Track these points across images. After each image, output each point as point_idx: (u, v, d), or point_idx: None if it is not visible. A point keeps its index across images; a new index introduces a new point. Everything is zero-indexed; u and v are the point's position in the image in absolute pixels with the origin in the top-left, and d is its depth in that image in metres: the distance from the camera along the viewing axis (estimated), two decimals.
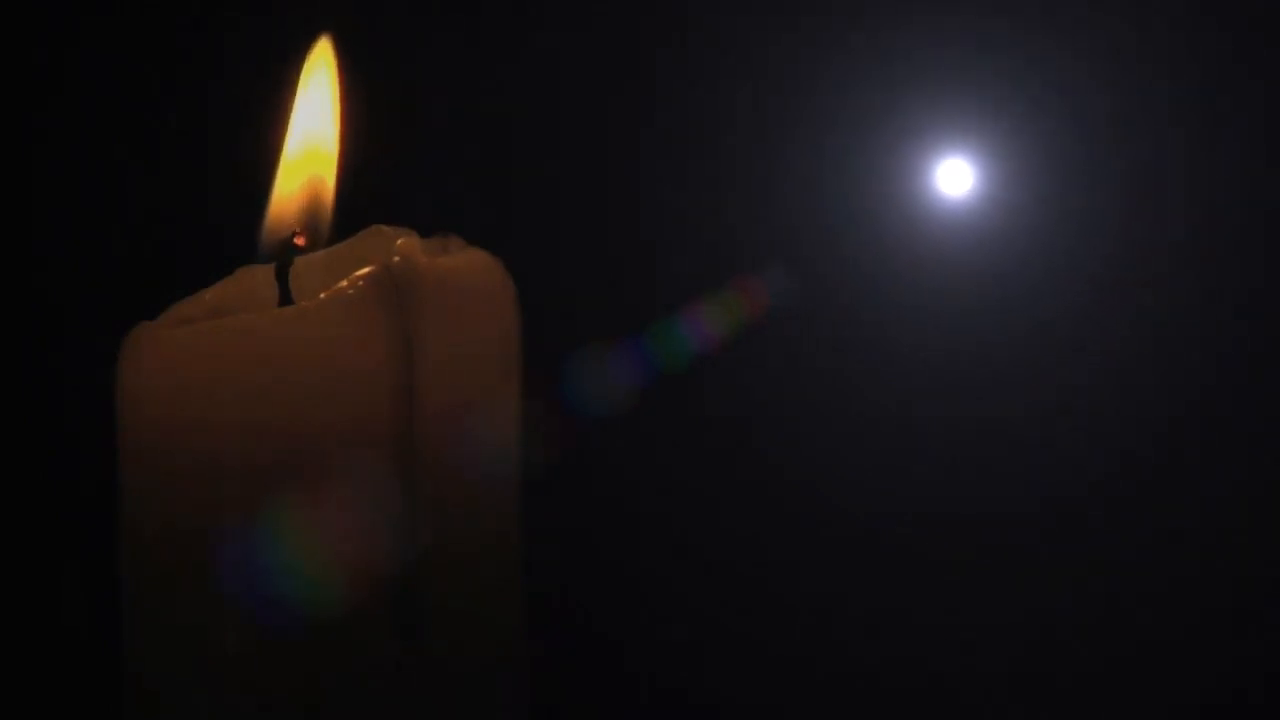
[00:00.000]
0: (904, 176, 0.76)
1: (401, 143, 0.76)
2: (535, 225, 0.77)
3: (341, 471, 0.42)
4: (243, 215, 0.48)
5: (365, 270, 0.43)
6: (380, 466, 0.42)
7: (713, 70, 0.77)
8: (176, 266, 0.74)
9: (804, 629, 0.77)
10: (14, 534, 0.78)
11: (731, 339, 0.75)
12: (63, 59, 0.78)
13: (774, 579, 0.77)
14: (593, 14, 0.77)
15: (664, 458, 0.77)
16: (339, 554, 0.42)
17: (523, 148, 0.78)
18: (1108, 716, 0.76)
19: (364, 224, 0.47)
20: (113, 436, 0.44)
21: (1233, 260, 0.75)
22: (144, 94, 0.78)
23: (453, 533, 0.43)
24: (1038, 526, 0.76)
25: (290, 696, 0.42)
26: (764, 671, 0.77)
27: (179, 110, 0.78)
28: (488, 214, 0.74)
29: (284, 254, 0.46)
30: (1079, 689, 0.76)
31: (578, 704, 0.75)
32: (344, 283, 0.43)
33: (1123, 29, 0.75)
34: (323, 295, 0.43)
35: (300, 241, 0.46)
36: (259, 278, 0.46)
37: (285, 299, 0.45)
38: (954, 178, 0.76)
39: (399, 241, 0.44)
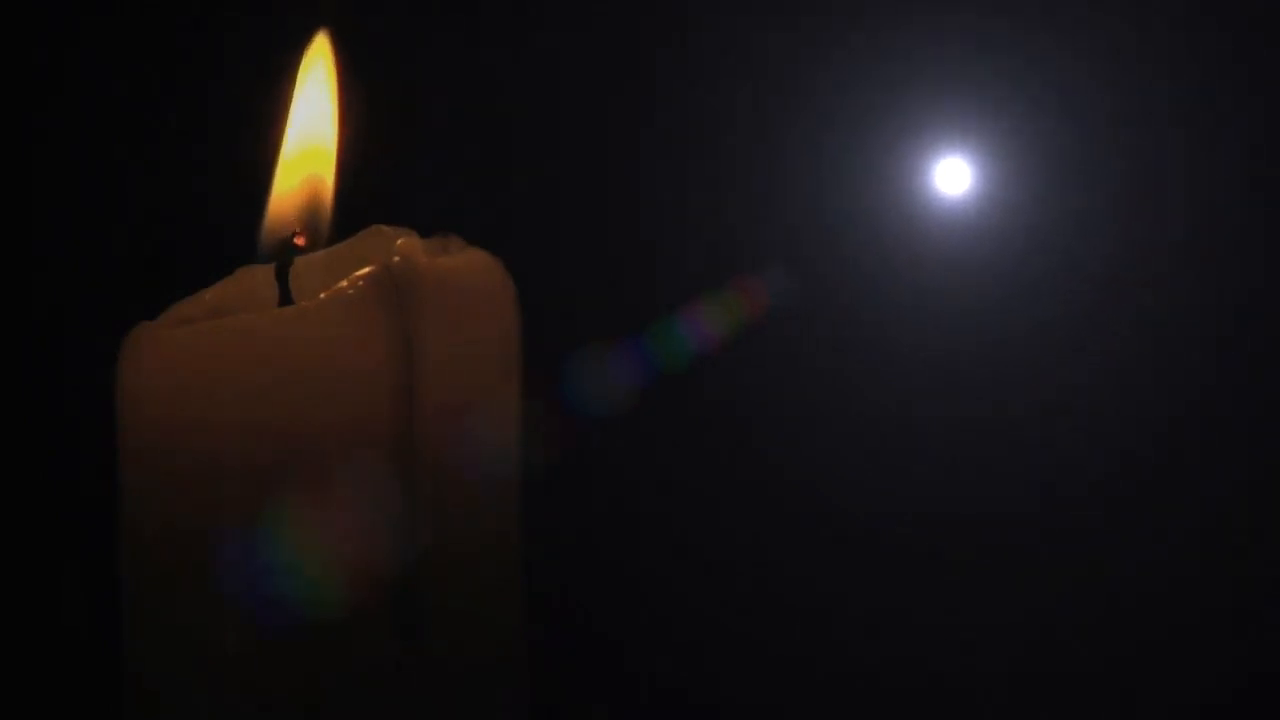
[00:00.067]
0: (902, 176, 0.76)
1: (401, 142, 0.76)
2: (535, 225, 0.77)
3: (341, 471, 0.42)
4: (243, 215, 0.48)
5: (365, 270, 0.43)
6: (380, 466, 0.42)
7: (712, 70, 0.77)
8: (176, 266, 0.74)
9: (804, 629, 0.77)
10: (14, 534, 0.78)
11: (731, 339, 0.75)
12: (63, 59, 0.78)
13: (774, 579, 0.77)
14: (593, 14, 0.77)
15: (664, 458, 0.77)
16: (339, 554, 0.42)
17: (523, 148, 0.78)
18: (1108, 716, 0.76)
19: (364, 224, 0.47)
20: (113, 436, 0.44)
21: (1232, 260, 0.75)
22: (144, 94, 0.78)
23: (453, 533, 0.43)
24: (1038, 526, 0.76)
25: (290, 696, 0.42)
26: (764, 671, 0.77)
27: (179, 110, 0.78)
28: (488, 214, 0.74)
29: (284, 254, 0.46)
30: (1079, 689, 0.76)
31: (578, 704, 0.75)
32: (344, 283, 0.43)
33: (1122, 29, 0.75)
34: (323, 295, 0.43)
35: (300, 241, 0.46)
36: (259, 278, 0.46)
37: (285, 299, 0.45)
38: (952, 177, 0.76)
39: (399, 241, 0.44)
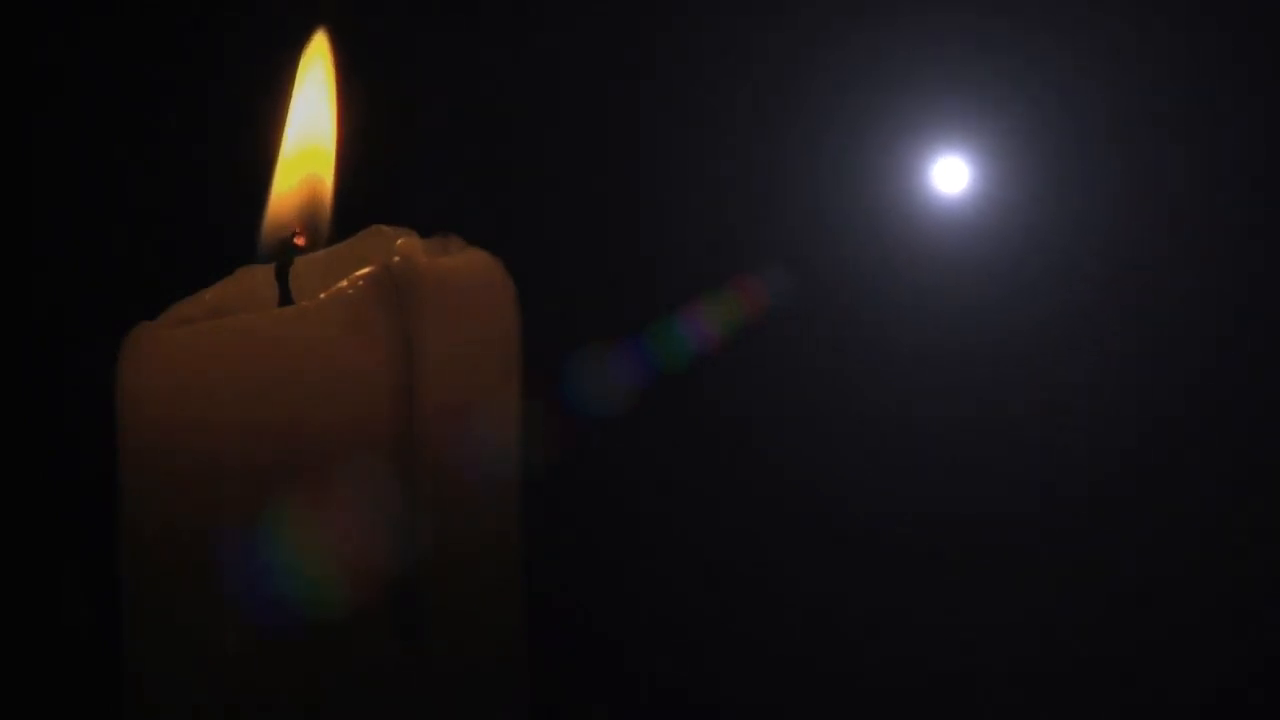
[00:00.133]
0: (900, 175, 0.76)
1: (402, 142, 0.76)
2: (535, 225, 0.77)
3: (341, 471, 0.42)
4: (243, 215, 0.48)
5: (365, 270, 0.43)
6: (380, 466, 0.42)
7: (711, 70, 0.77)
8: (176, 266, 0.74)
9: (804, 629, 0.77)
10: (14, 534, 0.78)
11: (730, 338, 0.75)
12: (63, 59, 0.78)
13: (774, 579, 0.77)
14: (592, 13, 0.77)
15: (664, 458, 0.77)
16: (339, 554, 0.42)
17: (522, 148, 0.78)
18: (1108, 716, 0.76)
19: (364, 224, 0.47)
20: (113, 436, 0.44)
21: (1230, 259, 0.75)
22: (144, 94, 0.78)
23: (453, 533, 0.43)
24: (1037, 526, 0.76)
25: (290, 696, 0.42)
26: (764, 671, 0.77)
27: (179, 110, 0.78)
28: (488, 214, 0.74)
29: (284, 254, 0.46)
30: (1079, 688, 0.76)
31: (578, 704, 0.75)
32: (344, 283, 0.43)
33: (1120, 28, 0.75)
34: (323, 295, 0.43)
35: (300, 241, 0.46)
36: (259, 278, 0.46)
37: (285, 299, 0.45)
38: (950, 176, 0.76)
39: (399, 241, 0.44)
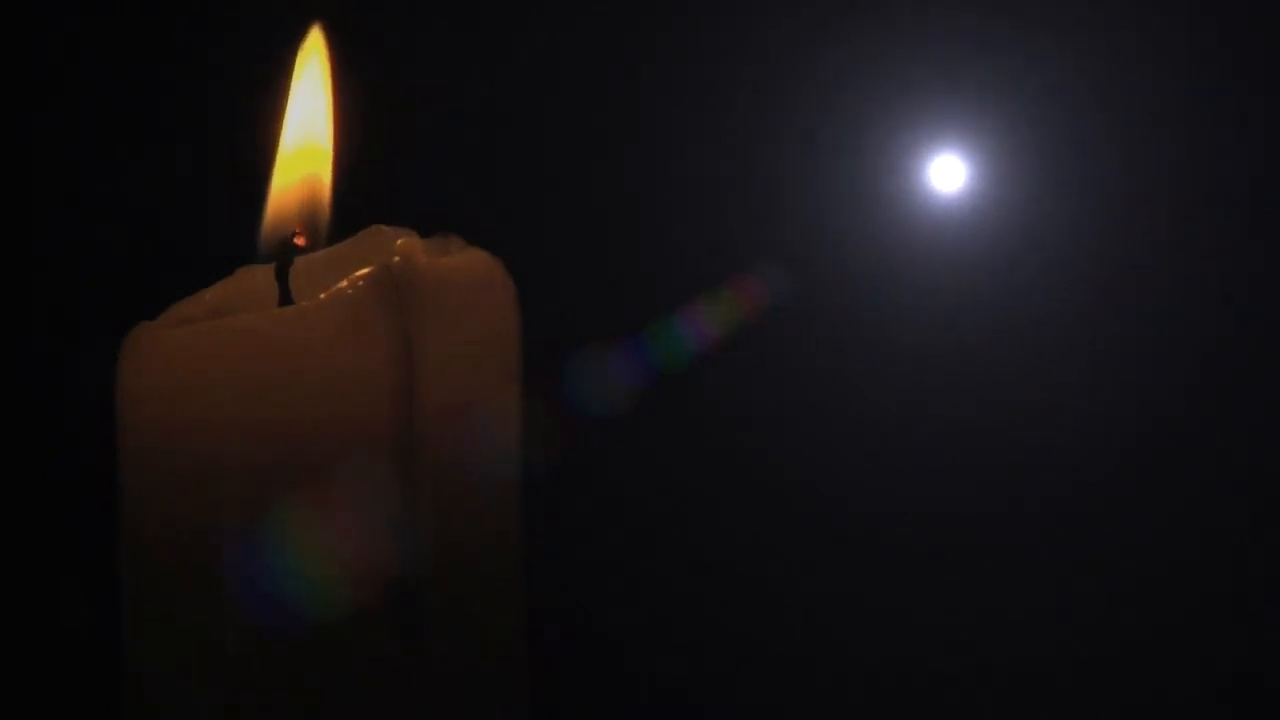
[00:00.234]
0: (897, 173, 0.76)
1: (402, 142, 0.76)
2: (535, 225, 0.77)
3: (341, 471, 0.42)
4: (243, 215, 0.48)
5: (365, 270, 0.43)
6: (380, 466, 0.42)
7: (709, 70, 0.77)
8: (176, 266, 0.74)
9: (804, 629, 0.77)
10: (14, 534, 0.78)
11: (728, 338, 0.75)
12: (63, 59, 0.78)
13: (774, 579, 0.77)
14: (592, 13, 0.77)
15: (664, 458, 0.77)
16: (339, 554, 0.42)
17: (522, 148, 0.78)
18: (1107, 716, 0.76)
19: (364, 224, 0.47)
20: (113, 436, 0.44)
21: (1227, 258, 0.75)
22: (144, 94, 0.78)
23: (453, 533, 0.43)
24: (1038, 526, 0.76)
25: (290, 696, 0.42)
26: (764, 671, 0.77)
27: (179, 110, 0.78)
28: (488, 214, 0.74)
29: (284, 254, 0.46)
30: (1079, 688, 0.76)
31: (578, 704, 0.75)
32: (344, 283, 0.43)
33: (1117, 27, 0.75)
34: (323, 295, 0.43)
35: (300, 241, 0.46)
36: (259, 278, 0.46)
37: (285, 299, 0.45)
38: (947, 174, 0.76)
39: (399, 241, 0.44)
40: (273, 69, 0.50)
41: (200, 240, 0.73)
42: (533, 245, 0.67)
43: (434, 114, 0.78)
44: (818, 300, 0.76)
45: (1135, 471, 0.76)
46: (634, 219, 0.78)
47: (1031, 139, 0.75)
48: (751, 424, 0.77)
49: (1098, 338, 0.76)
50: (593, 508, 0.77)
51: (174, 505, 0.43)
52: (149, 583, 0.44)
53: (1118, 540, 0.75)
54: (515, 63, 0.78)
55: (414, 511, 0.43)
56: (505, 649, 0.45)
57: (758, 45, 0.77)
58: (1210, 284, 0.75)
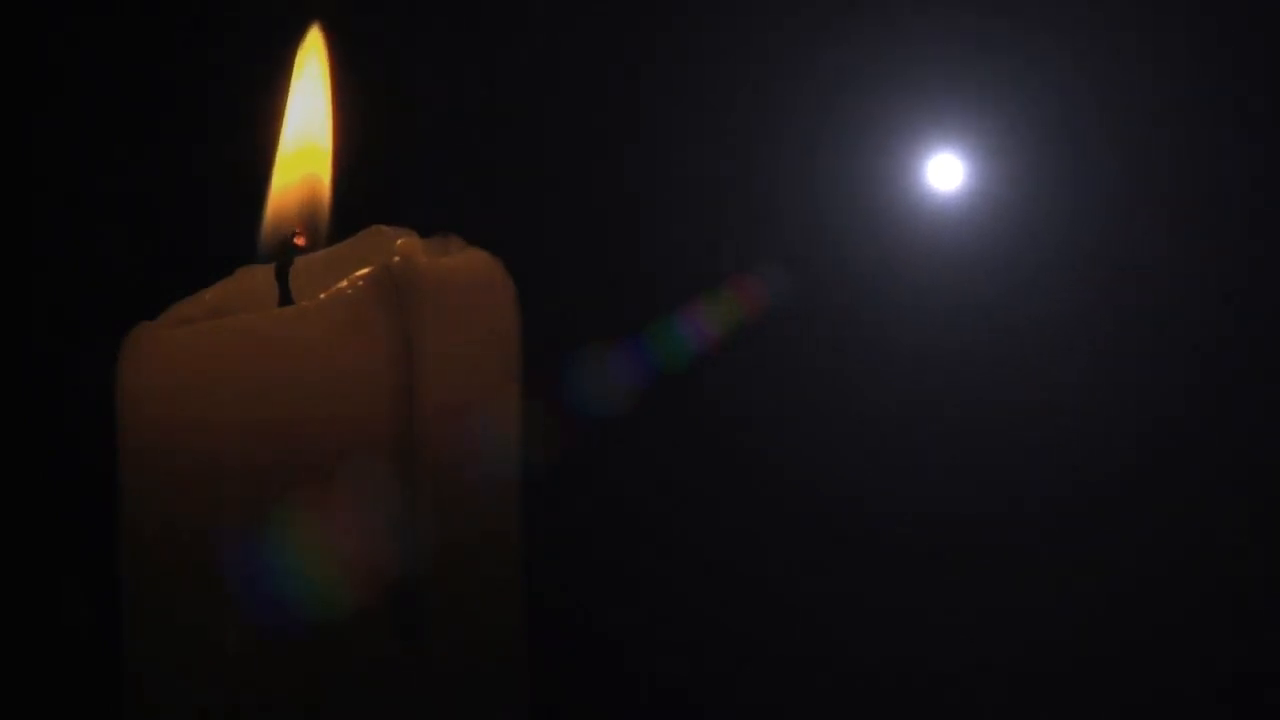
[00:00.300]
0: (895, 172, 0.76)
1: (402, 142, 0.76)
2: (535, 225, 0.77)
3: (341, 471, 0.42)
4: (243, 215, 0.48)
5: (365, 270, 0.43)
6: (380, 466, 0.42)
7: (709, 70, 0.77)
8: (176, 266, 0.74)
9: (804, 629, 0.77)
10: (14, 534, 0.78)
11: (728, 338, 0.75)
12: (63, 59, 0.78)
13: (774, 579, 0.77)
14: (592, 13, 0.77)
15: (664, 458, 0.77)
16: (339, 554, 0.42)
17: (522, 147, 0.78)
18: (1107, 715, 0.76)
19: (364, 224, 0.47)
20: (113, 436, 0.44)
21: (1226, 257, 0.75)
22: (144, 94, 0.78)
23: (453, 533, 0.43)
24: (1037, 526, 0.76)
25: (290, 696, 0.42)
26: (764, 671, 0.77)
27: (179, 110, 0.78)
28: (488, 214, 0.74)
29: (284, 254, 0.46)
30: (1079, 688, 0.76)
31: (578, 704, 0.75)
32: (344, 283, 0.43)
33: (1115, 27, 0.75)
34: (323, 295, 0.43)
35: (300, 241, 0.46)
36: (259, 278, 0.46)
37: (285, 299, 0.45)
38: (945, 173, 0.76)
39: (399, 241, 0.44)
40: (273, 69, 0.50)
41: (200, 240, 0.73)
42: (533, 245, 0.67)
43: (434, 114, 0.78)
44: (817, 300, 0.76)
45: (1135, 471, 0.76)
46: (634, 219, 0.78)
47: (1030, 138, 0.75)
48: (751, 424, 0.77)
49: (1097, 337, 0.76)
50: (593, 508, 0.77)
51: (174, 505, 0.43)
52: (149, 583, 0.44)
53: (1118, 540, 0.75)
54: (515, 63, 0.78)
55: (414, 511, 0.43)
56: (505, 649, 0.45)
57: (758, 45, 0.77)
58: (1209, 283, 0.75)
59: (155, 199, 0.78)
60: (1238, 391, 0.75)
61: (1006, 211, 0.76)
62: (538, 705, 0.46)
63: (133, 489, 0.44)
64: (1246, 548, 0.75)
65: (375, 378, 0.42)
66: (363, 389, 0.42)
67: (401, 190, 0.75)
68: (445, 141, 0.78)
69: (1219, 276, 0.75)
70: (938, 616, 0.76)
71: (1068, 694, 0.76)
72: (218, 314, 0.45)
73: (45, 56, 0.78)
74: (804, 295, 0.76)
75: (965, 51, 0.75)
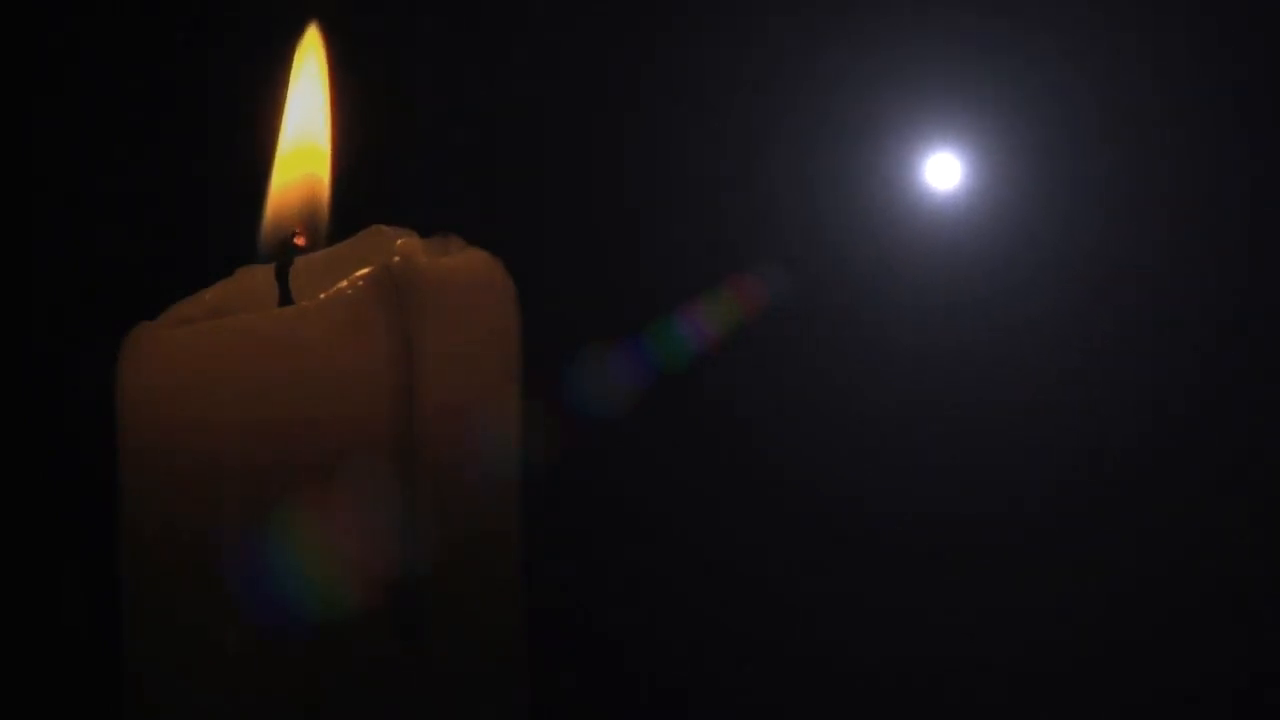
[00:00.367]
0: (893, 171, 0.76)
1: (402, 143, 0.76)
2: (535, 225, 0.77)
3: (341, 471, 0.42)
4: (243, 215, 0.48)
5: (365, 270, 0.43)
6: (380, 466, 0.42)
7: (708, 70, 0.77)
8: (176, 266, 0.74)
9: (804, 629, 0.77)
10: (14, 534, 0.78)
11: (727, 337, 0.75)
12: (63, 59, 0.78)
13: (774, 579, 0.77)
14: (592, 13, 0.77)
15: (664, 458, 0.77)
16: (339, 554, 0.42)
17: (522, 147, 0.78)
18: (1107, 715, 0.76)
19: (363, 224, 0.47)
20: (113, 436, 0.44)
21: (1223, 256, 0.75)
22: (144, 94, 0.78)
23: (453, 533, 0.43)
24: (1037, 526, 0.76)
25: (290, 696, 0.42)
26: (764, 671, 0.77)
27: (179, 110, 0.78)
28: (488, 214, 0.74)
29: (284, 254, 0.46)
30: (1079, 688, 0.76)
31: (578, 704, 0.75)
32: (344, 283, 0.43)
33: (1113, 26, 0.75)
34: (323, 295, 0.43)
35: (300, 241, 0.46)
36: (259, 278, 0.46)
37: (285, 299, 0.45)
38: (942, 172, 0.76)
39: (399, 241, 0.44)
40: (273, 69, 0.50)
41: (200, 240, 0.73)
42: (533, 245, 0.67)
43: (434, 114, 0.78)
44: (817, 299, 0.76)
45: (1135, 471, 0.76)
46: (634, 219, 0.78)
47: (1028, 137, 0.75)
48: (751, 424, 0.77)
49: (1095, 336, 0.76)
50: (593, 508, 0.77)
51: (174, 505, 0.43)
52: (149, 583, 0.44)
53: (1118, 540, 0.75)
54: (515, 63, 0.78)
55: (414, 511, 0.43)
56: (505, 649, 0.45)
57: (757, 45, 0.77)
58: (1208, 282, 0.75)
59: (155, 199, 0.78)
60: (1237, 391, 0.75)
61: (1004, 211, 0.76)
62: (538, 705, 0.46)
63: (133, 489, 0.44)
64: (1246, 548, 0.75)
65: (375, 378, 0.42)
66: (363, 389, 0.42)
67: (401, 190, 0.75)
68: (445, 141, 0.78)
69: (1217, 275, 0.75)
70: (938, 616, 0.76)
71: (1068, 694, 0.76)
72: (218, 314, 0.45)
73: (45, 56, 0.78)
74: (803, 295, 0.76)
75: (963, 51, 0.75)
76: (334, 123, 0.48)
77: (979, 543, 0.76)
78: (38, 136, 0.78)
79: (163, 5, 0.79)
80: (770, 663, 0.77)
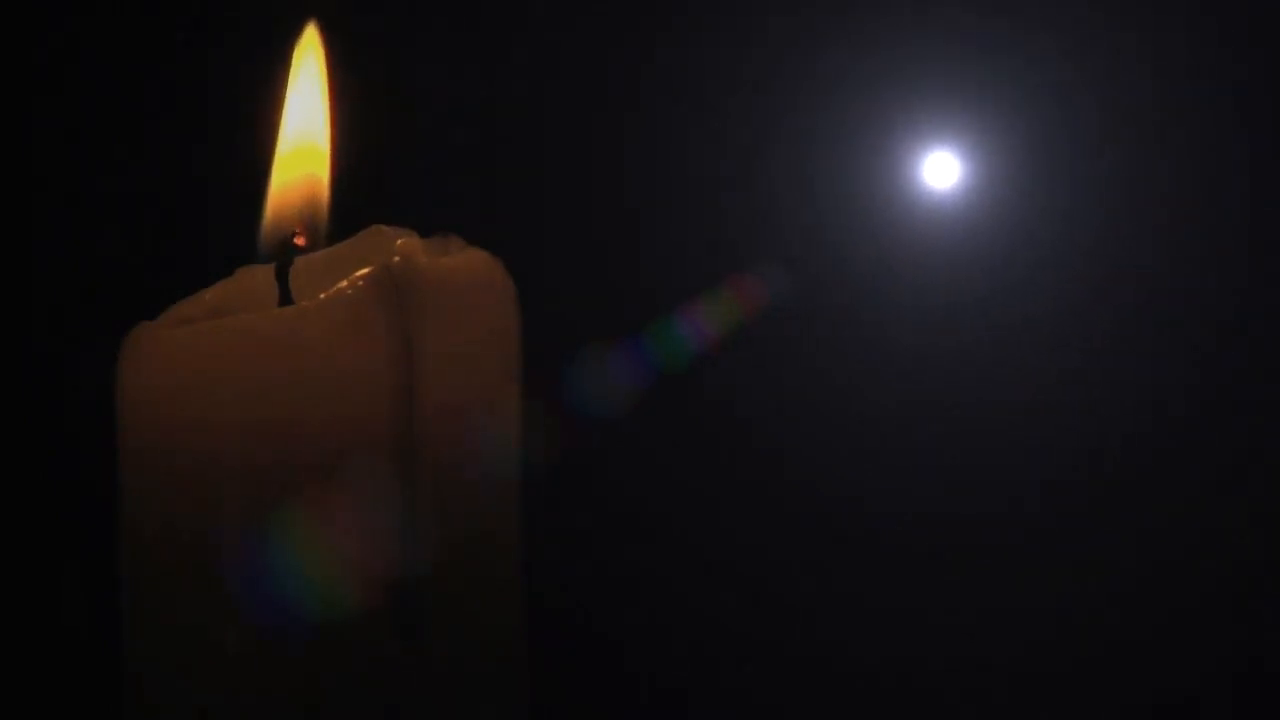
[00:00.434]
0: (891, 170, 0.76)
1: (402, 143, 0.76)
2: (535, 225, 0.77)
3: (341, 471, 0.42)
4: (243, 215, 0.48)
5: (365, 270, 0.43)
6: (380, 466, 0.42)
7: (707, 69, 0.77)
8: (176, 266, 0.74)
9: (804, 628, 0.77)
10: (14, 534, 0.78)
11: (727, 337, 0.75)
12: (63, 59, 0.78)
13: (774, 579, 0.77)
14: (591, 13, 0.77)
15: (664, 458, 0.77)
16: (339, 554, 0.42)
17: (522, 147, 0.78)
18: (1107, 714, 0.76)
19: (364, 224, 0.47)
20: (113, 436, 0.44)
21: (1221, 255, 0.75)
22: (144, 93, 0.78)
23: (453, 533, 0.43)
24: (1038, 526, 0.76)
25: (290, 696, 0.42)
26: (764, 671, 0.77)
27: (179, 110, 0.78)
28: (488, 214, 0.74)
29: (284, 254, 0.46)
30: (1079, 688, 0.76)
31: (578, 704, 0.75)
32: (344, 283, 0.43)
33: (1111, 25, 0.75)
34: (323, 295, 0.43)
35: (300, 241, 0.46)
36: (259, 278, 0.46)
37: (285, 299, 0.45)
38: (941, 171, 0.76)
39: (399, 241, 0.44)
40: (273, 69, 0.50)
41: (200, 240, 0.73)
42: (533, 245, 0.67)
43: (434, 114, 0.78)
44: (816, 299, 0.76)
45: (1135, 471, 0.76)
46: (634, 219, 0.78)
47: (1026, 136, 0.75)
48: (751, 424, 0.77)
49: (1094, 335, 0.76)
50: (593, 508, 0.77)
51: (174, 505, 0.43)
52: (149, 583, 0.44)
53: (1118, 540, 0.75)
54: (515, 62, 0.78)
55: (414, 511, 0.43)
56: (505, 649, 0.45)
57: (756, 45, 0.77)
58: (1207, 281, 0.75)
59: (155, 199, 0.78)
60: (1237, 391, 0.75)
61: (1004, 210, 0.76)
62: (538, 705, 0.46)
63: (133, 489, 0.44)
64: (1246, 548, 0.75)
65: (375, 378, 0.42)
66: (363, 389, 0.42)
67: (401, 190, 0.75)
68: (445, 141, 0.78)
69: (1217, 274, 0.75)
70: (938, 616, 0.76)
71: (1068, 694, 0.76)
72: (218, 314, 0.45)
73: (45, 56, 0.78)
74: (802, 294, 0.76)
75: (963, 51, 0.75)
76: (334, 123, 0.48)
77: (979, 543, 0.76)
78: (38, 136, 0.78)
79: (163, 5, 0.79)
80: (770, 663, 0.77)
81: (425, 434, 0.43)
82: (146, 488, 0.44)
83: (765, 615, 0.77)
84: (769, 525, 0.77)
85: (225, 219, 0.55)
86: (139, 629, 0.44)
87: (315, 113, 0.48)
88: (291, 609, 0.42)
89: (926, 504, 0.76)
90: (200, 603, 0.43)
